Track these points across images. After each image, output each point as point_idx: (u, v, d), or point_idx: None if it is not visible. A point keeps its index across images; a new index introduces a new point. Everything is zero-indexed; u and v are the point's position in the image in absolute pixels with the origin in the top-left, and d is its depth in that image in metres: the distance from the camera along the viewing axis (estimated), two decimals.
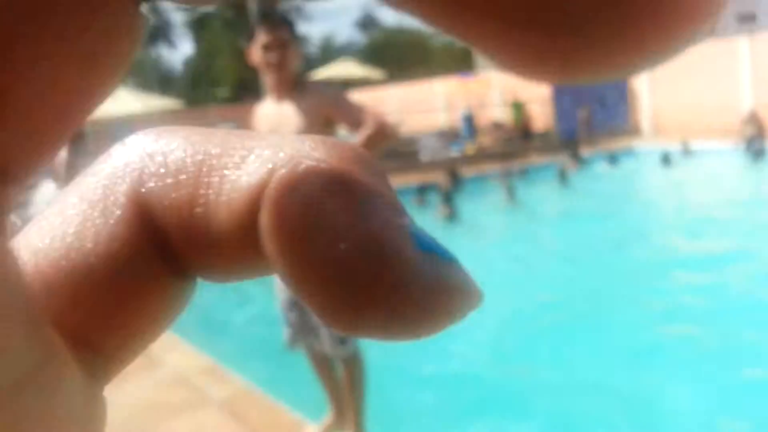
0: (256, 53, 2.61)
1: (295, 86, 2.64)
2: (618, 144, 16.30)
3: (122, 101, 18.61)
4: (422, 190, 11.10)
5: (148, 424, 3.30)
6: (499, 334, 5.16)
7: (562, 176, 12.38)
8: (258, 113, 2.79)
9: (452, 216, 9.83)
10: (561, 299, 6.04)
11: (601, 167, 14.53)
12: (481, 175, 13.33)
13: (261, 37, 2.58)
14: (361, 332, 0.12)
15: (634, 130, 20.18)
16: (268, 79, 2.65)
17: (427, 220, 9.98)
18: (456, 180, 10.81)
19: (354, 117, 2.52)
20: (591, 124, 19.25)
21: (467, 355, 4.74)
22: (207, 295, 3.50)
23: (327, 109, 2.58)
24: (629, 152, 15.50)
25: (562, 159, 14.56)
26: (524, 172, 13.80)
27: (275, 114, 2.67)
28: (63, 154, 6.09)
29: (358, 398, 2.83)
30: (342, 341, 2.69)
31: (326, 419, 3.02)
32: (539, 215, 10.42)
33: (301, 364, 3.05)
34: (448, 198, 10.19)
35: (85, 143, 6.36)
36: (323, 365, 2.85)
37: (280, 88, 2.63)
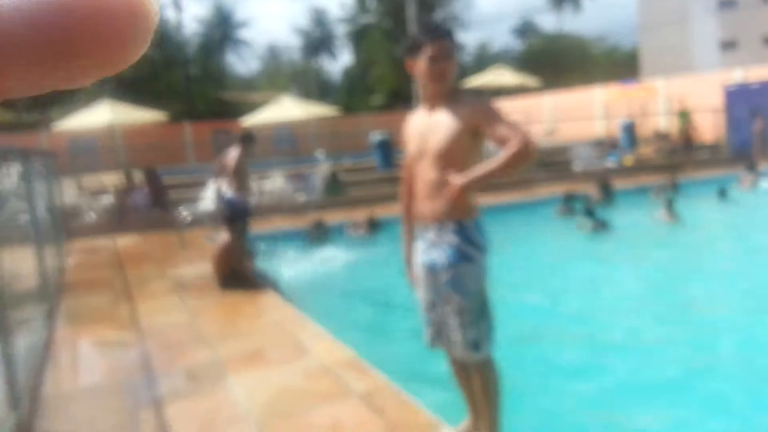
0: (421, 64, 2.66)
1: (450, 95, 2.69)
2: None
3: (285, 108, 19.74)
4: (568, 200, 10.68)
5: (293, 409, 3.49)
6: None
7: (722, 194, 11.42)
8: (411, 121, 2.86)
9: (600, 229, 9.30)
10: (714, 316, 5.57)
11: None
12: (640, 187, 12.60)
13: (427, 49, 2.62)
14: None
15: None
16: (428, 89, 2.69)
17: (570, 231, 9.76)
18: (607, 192, 10.26)
19: (500, 134, 2.51)
20: (766, 137, 17.53)
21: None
22: (356, 294, 3.68)
23: (476, 121, 2.59)
24: None
25: (739, 173, 13.42)
26: (688, 186, 12.85)
27: (427, 122, 2.72)
28: (234, 153, 6.61)
29: (491, 404, 2.80)
30: (475, 347, 2.69)
31: (463, 424, 3.02)
32: (702, 233, 9.60)
33: (443, 365, 3.08)
34: (591, 211, 9.64)
35: (254, 146, 6.87)
36: (462, 370, 2.85)
37: (438, 97, 2.69)
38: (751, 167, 13.36)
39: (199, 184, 13.20)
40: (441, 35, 2.65)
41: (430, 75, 2.65)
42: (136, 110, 18.36)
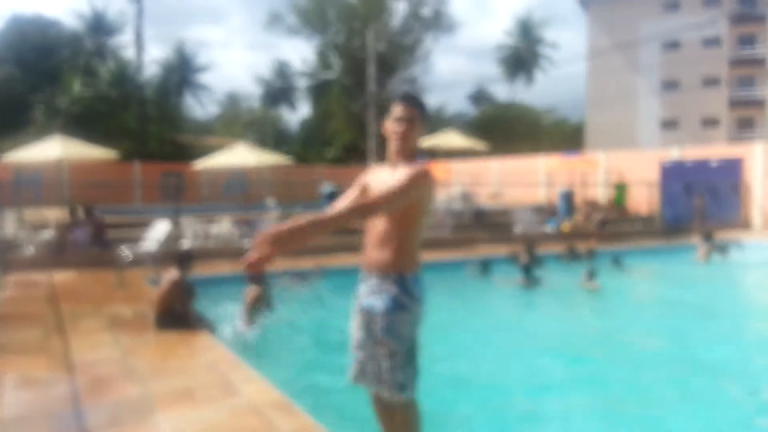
0: (387, 123, 3.01)
1: (409, 160, 2.98)
2: (727, 236, 15.55)
3: (240, 154, 19.89)
4: (485, 265, 11.38)
5: None
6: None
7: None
8: (375, 172, 3.15)
9: (529, 286, 10.48)
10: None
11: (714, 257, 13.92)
12: (569, 251, 13.17)
13: (395, 110, 2.98)
14: None
15: (743, 224, 19.26)
16: (391, 146, 3.01)
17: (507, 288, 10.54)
18: (532, 255, 10.98)
19: (386, 189, 2.73)
20: (704, 213, 18.57)
21: None
22: (285, 335, 3.89)
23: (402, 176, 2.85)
24: (738, 245, 14.74)
25: (697, 243, 14.13)
26: (622, 255, 13.48)
27: (387, 178, 2.98)
28: (172, 276, 6.73)
29: None
30: (401, 388, 2.88)
31: None
32: (612, 300, 10.13)
33: (365, 403, 3.24)
34: (528, 268, 10.71)
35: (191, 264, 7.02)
36: (383, 407, 3.03)
37: (399, 156, 2.99)
38: (708, 238, 14.01)
39: (144, 225, 13.16)
40: (408, 100, 2.97)
41: (390, 133, 2.95)
42: (87, 147, 18.24)
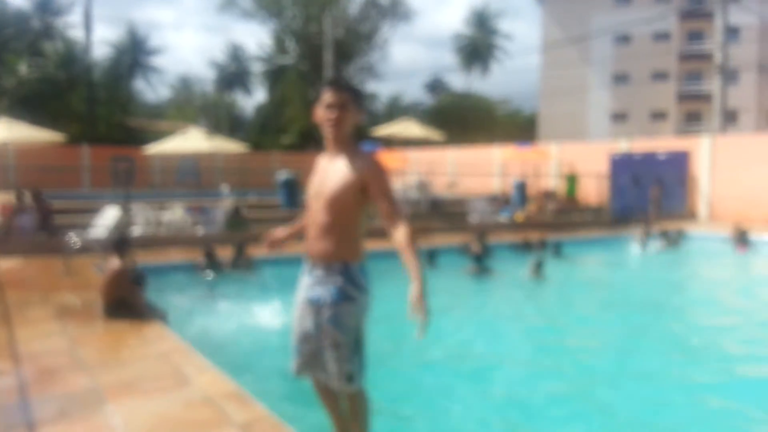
0: (318, 110, 2.96)
1: (348, 146, 2.95)
2: (672, 227, 16.08)
3: (192, 139, 19.52)
4: (432, 255, 11.45)
5: None
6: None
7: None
8: (318, 163, 3.11)
9: (480, 273, 10.80)
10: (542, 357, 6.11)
11: (656, 246, 14.38)
12: (525, 241, 13.40)
13: (325, 97, 2.91)
14: None
15: (689, 215, 19.92)
16: (326, 134, 2.96)
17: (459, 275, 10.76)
18: (483, 245, 11.20)
19: (386, 208, 2.80)
20: (661, 203, 19.14)
21: None
22: (236, 327, 3.91)
23: (367, 180, 2.83)
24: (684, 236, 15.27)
25: (635, 235, 14.54)
26: (572, 245, 13.80)
27: (327, 168, 2.97)
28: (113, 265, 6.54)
29: (363, 427, 3.03)
30: (349, 379, 2.90)
31: None
32: (559, 290, 10.38)
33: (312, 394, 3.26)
34: (479, 258, 10.97)
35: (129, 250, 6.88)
36: (328, 396, 3.06)
37: (334, 145, 2.96)
38: (646, 230, 14.47)
39: (93, 211, 12.83)
40: (339, 86, 2.92)
41: (323, 121, 2.92)
42: (33, 130, 17.64)
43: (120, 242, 6.88)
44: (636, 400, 5.31)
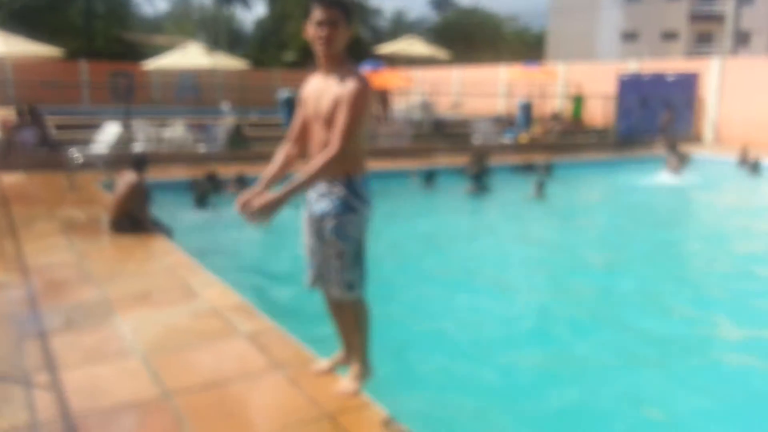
0: (309, 28, 2.86)
1: (340, 64, 2.88)
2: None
3: (191, 55, 19.14)
4: (429, 176, 11.44)
5: (179, 346, 3.64)
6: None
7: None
8: (310, 82, 3.05)
9: (478, 192, 10.85)
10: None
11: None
12: (527, 163, 13.32)
13: (315, 14, 2.82)
14: None
15: (695, 138, 19.74)
16: (317, 52, 2.88)
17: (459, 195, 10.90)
18: (482, 166, 11.16)
19: (334, 129, 2.74)
20: (671, 128, 18.90)
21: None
22: (245, 241, 3.92)
23: (342, 98, 2.76)
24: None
25: (665, 155, 14.23)
26: (575, 167, 13.74)
27: (320, 86, 2.92)
28: (129, 179, 6.43)
29: (362, 336, 3.12)
30: (349, 287, 2.97)
31: (336, 355, 3.35)
32: (561, 211, 10.39)
33: (321, 306, 3.34)
34: (478, 176, 10.96)
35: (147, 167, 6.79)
36: (337, 308, 3.14)
37: (326, 63, 2.89)
38: (673, 148, 14.15)
39: (94, 126, 12.72)
40: (329, 2, 2.82)
41: (314, 39, 2.85)
42: (30, 44, 17.24)
43: (139, 158, 6.86)
44: (641, 319, 5.43)
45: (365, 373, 3.16)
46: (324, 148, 2.86)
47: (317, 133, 2.91)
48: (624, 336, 5.01)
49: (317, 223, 2.94)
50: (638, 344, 4.85)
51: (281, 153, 3.15)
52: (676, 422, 3.76)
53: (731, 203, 12.17)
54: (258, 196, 2.84)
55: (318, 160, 2.78)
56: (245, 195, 2.88)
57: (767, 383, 4.33)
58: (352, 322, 3.11)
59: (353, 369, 3.16)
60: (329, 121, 2.84)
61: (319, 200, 2.92)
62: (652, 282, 6.51)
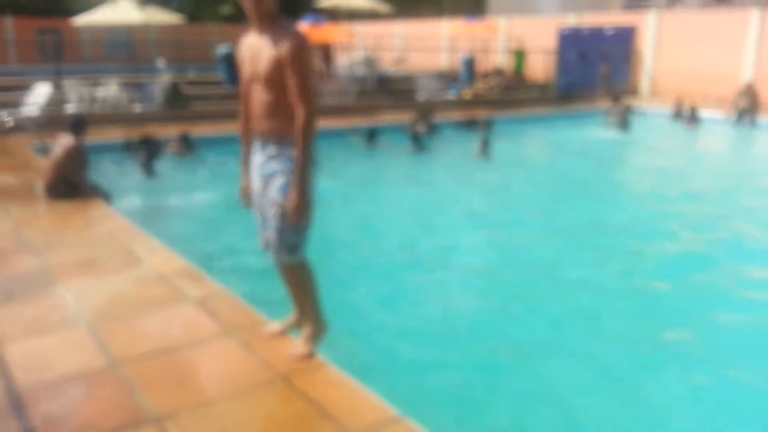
0: None
1: (273, 21, 2.79)
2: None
3: (122, 10, 18.25)
4: (371, 135, 11.34)
5: (126, 314, 3.57)
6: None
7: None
8: (244, 42, 2.96)
9: (417, 151, 10.87)
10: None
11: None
12: (470, 119, 13.40)
13: None
14: None
15: (632, 91, 20.22)
16: (247, 11, 2.79)
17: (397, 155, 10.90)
18: (427, 123, 11.17)
19: (295, 93, 2.70)
20: (610, 80, 19.27)
21: None
22: (189, 205, 3.84)
23: (286, 59, 2.71)
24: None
25: (607, 108, 14.52)
26: (516, 122, 13.92)
27: (255, 45, 2.84)
28: (66, 141, 6.13)
29: (310, 299, 3.11)
30: (290, 250, 2.92)
31: (288, 318, 3.33)
32: (505, 168, 10.51)
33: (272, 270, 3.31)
34: (415, 137, 10.94)
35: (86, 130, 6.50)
36: (283, 271, 3.09)
37: (258, 22, 2.81)
38: (616, 100, 14.49)
39: (23, 87, 12.11)
40: None
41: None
42: None
43: (77, 120, 6.55)
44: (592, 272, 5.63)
45: (318, 333, 3.16)
46: (266, 109, 2.81)
47: (257, 93, 2.85)
48: (567, 287, 5.20)
49: (265, 182, 2.89)
50: (577, 292, 5.04)
51: (243, 129, 3.08)
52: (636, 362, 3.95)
53: (669, 151, 12.62)
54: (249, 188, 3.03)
55: (299, 136, 2.75)
56: (243, 190, 3.09)
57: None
58: (298, 285, 3.09)
59: (305, 331, 3.16)
60: (269, 82, 2.78)
61: (269, 163, 2.87)
62: (594, 236, 6.75)
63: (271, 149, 2.84)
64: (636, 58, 20.47)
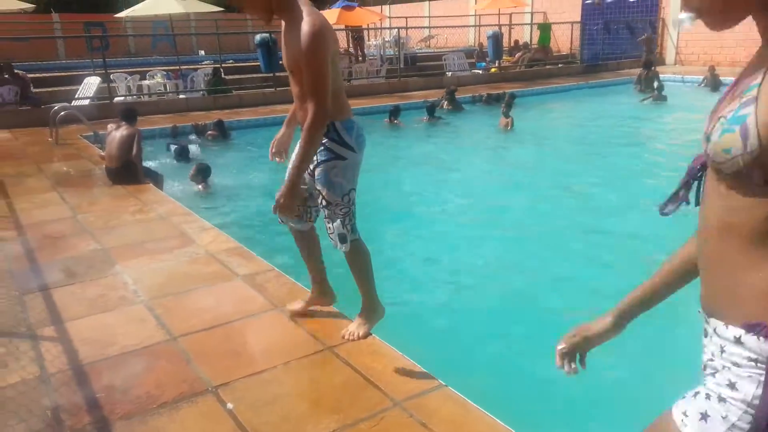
0: None
1: (290, 11, 2.72)
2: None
3: (164, 2, 18.61)
4: (394, 112, 11.34)
5: (180, 290, 3.76)
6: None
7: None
8: (281, 35, 2.88)
9: (435, 123, 11.21)
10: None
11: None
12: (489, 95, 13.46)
13: None
14: None
15: (659, 60, 19.73)
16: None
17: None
18: (453, 100, 11.31)
19: (308, 91, 2.67)
20: (652, 50, 18.89)
21: None
22: (236, 190, 4.00)
23: (300, 57, 2.66)
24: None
25: (639, 77, 14.32)
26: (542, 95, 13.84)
27: (284, 36, 2.80)
28: (123, 133, 6.38)
29: (367, 280, 3.10)
30: (341, 239, 2.93)
31: (309, 297, 3.38)
32: (528, 140, 10.55)
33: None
34: (431, 111, 11.26)
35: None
36: (303, 241, 3.18)
37: (274, 18, 2.79)
38: (649, 67, 14.34)
39: (72, 80, 12.54)
40: None
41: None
42: None
43: (129, 111, 6.88)
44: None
45: (375, 316, 3.18)
46: (298, 100, 2.84)
47: (291, 83, 2.87)
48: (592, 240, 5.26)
49: (310, 174, 2.93)
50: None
51: (292, 114, 3.14)
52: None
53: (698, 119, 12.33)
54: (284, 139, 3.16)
55: (304, 131, 2.73)
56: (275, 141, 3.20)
57: None
58: (353, 269, 3.09)
59: (361, 314, 3.19)
60: (294, 75, 2.79)
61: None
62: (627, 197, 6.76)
63: None
64: (661, 28, 20.02)
